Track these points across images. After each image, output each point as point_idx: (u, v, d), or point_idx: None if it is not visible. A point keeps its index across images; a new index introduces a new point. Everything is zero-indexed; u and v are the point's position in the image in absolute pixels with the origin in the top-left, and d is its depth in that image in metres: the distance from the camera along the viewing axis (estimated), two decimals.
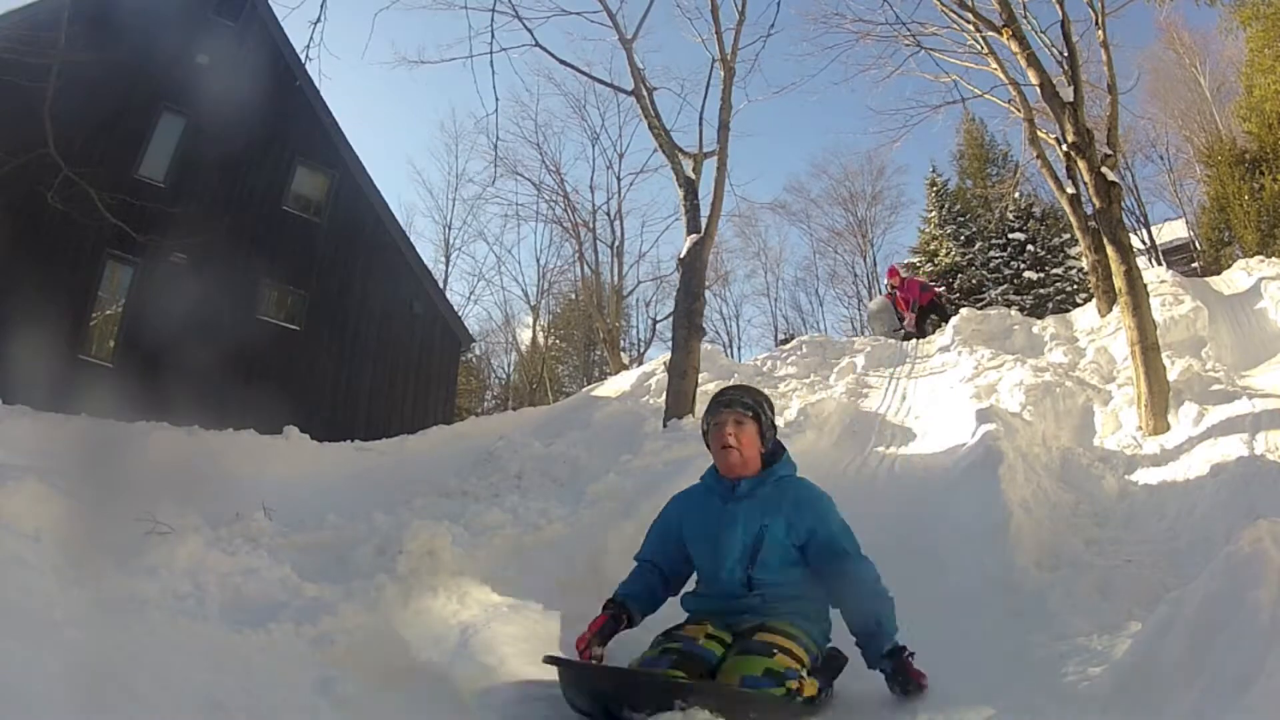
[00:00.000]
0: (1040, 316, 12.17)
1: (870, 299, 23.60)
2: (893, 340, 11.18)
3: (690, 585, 2.81)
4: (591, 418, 8.25)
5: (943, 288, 12.69)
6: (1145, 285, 6.57)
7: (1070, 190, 9.98)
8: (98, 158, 8.62)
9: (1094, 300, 10.08)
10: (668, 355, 8.07)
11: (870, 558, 2.65)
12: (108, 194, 7.97)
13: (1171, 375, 6.25)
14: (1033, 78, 7.49)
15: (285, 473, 6.68)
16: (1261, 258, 10.96)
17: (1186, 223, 22.14)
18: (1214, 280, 10.65)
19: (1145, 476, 5.06)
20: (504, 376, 28.42)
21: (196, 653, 2.51)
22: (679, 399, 7.03)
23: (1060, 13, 7.93)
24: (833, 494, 2.81)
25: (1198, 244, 20.39)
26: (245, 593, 3.46)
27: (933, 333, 11.32)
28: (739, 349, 28.59)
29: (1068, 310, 13.76)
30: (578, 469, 6.22)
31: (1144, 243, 20.69)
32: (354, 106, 33.35)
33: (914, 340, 10.94)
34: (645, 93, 8.47)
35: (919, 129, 16.69)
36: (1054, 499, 4.83)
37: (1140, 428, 5.89)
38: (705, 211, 7.74)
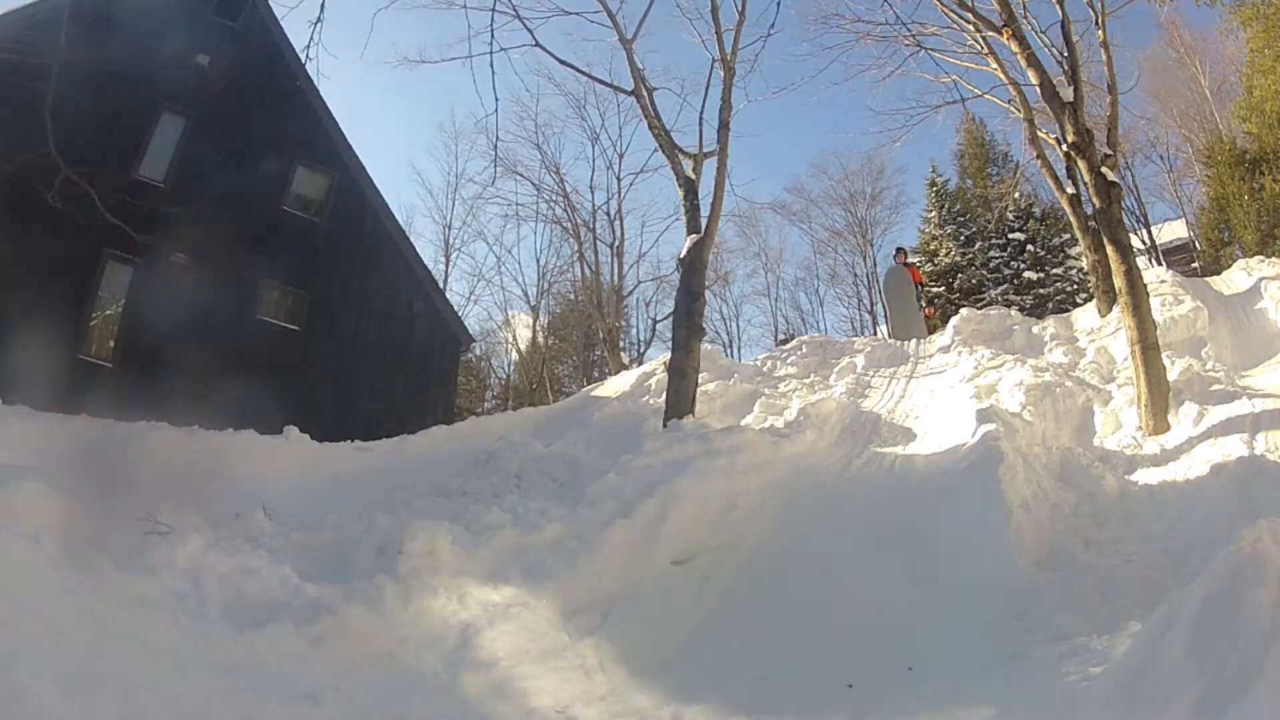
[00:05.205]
0: (1040, 316, 12.15)
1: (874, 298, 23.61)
2: (892, 341, 11.19)
3: None
4: (591, 418, 8.25)
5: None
6: (1145, 285, 6.57)
7: (1070, 190, 9.98)
8: (98, 158, 8.59)
9: (1094, 300, 10.08)
10: (668, 355, 8.06)
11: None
12: (108, 194, 7.95)
13: (1171, 375, 6.25)
14: (1033, 78, 7.49)
15: (285, 473, 6.68)
16: (1261, 258, 10.93)
17: (1186, 223, 22.10)
18: (1214, 280, 10.63)
19: (1145, 476, 5.06)
20: (504, 376, 28.39)
21: (196, 652, 2.51)
22: (679, 399, 7.02)
23: (1060, 13, 7.94)
24: (833, 493, 2.82)
25: (1198, 244, 20.35)
26: (245, 593, 3.47)
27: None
28: (739, 349, 28.53)
29: (1068, 310, 13.74)
30: (578, 469, 6.21)
31: (1144, 243, 20.65)
32: (354, 106, 33.25)
33: (914, 340, 10.94)
34: (645, 93, 8.47)
35: (919, 129, 16.68)
36: (1054, 499, 4.83)
37: (1140, 428, 5.89)
38: (705, 211, 7.73)
